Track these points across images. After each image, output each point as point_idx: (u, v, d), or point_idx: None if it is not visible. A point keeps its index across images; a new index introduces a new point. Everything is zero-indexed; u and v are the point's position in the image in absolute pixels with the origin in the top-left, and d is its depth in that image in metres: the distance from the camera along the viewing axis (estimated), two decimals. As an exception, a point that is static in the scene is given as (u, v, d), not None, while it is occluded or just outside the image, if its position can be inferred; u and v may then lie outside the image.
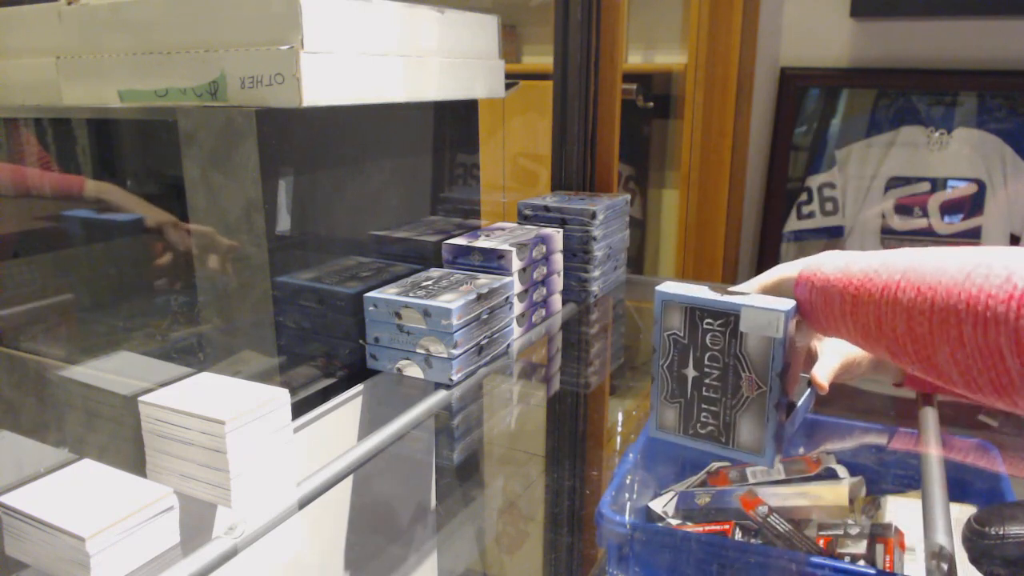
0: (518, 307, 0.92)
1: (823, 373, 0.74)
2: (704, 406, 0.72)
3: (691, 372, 0.71)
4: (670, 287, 0.72)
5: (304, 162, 0.77)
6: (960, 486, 0.91)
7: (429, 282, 0.85)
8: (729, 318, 0.68)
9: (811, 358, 0.78)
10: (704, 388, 0.71)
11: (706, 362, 0.70)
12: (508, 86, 1.28)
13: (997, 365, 0.47)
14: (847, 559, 0.81)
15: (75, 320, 0.83)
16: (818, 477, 0.92)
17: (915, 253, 0.55)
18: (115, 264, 0.84)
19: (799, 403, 0.76)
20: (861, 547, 0.82)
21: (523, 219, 1.11)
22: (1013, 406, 0.48)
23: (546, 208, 1.09)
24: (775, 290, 0.67)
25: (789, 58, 1.77)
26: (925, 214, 1.67)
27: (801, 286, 0.63)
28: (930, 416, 0.80)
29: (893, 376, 0.82)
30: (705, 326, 0.69)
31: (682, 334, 0.71)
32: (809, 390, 0.79)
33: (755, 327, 0.66)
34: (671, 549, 0.81)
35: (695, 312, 0.70)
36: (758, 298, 0.67)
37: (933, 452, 0.74)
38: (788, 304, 0.65)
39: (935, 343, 0.50)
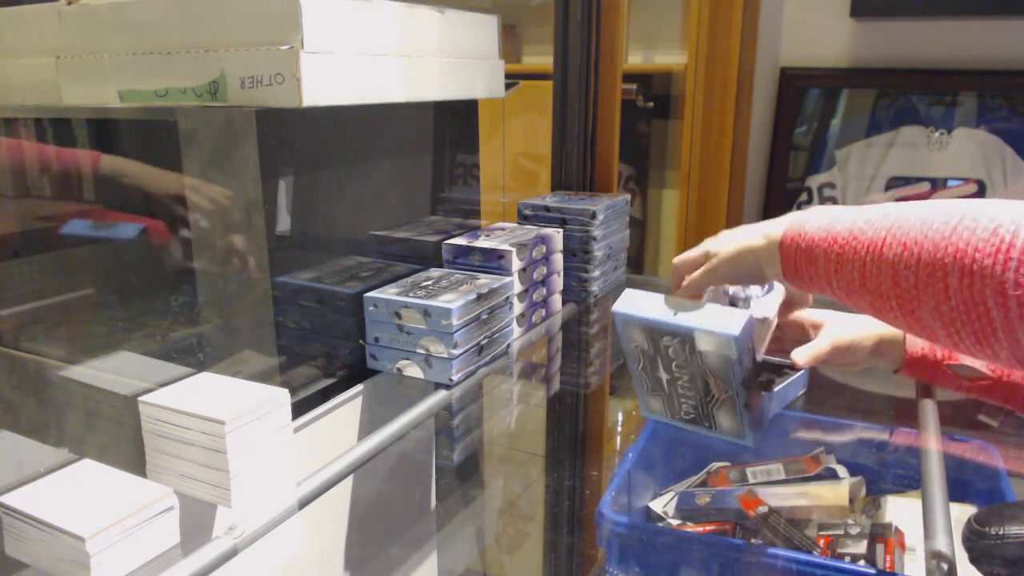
0: (518, 307, 0.92)
1: (804, 353, 0.74)
2: (683, 399, 0.75)
3: (663, 375, 0.74)
4: (627, 303, 0.72)
5: (304, 162, 0.77)
6: (960, 486, 0.91)
7: (429, 282, 0.85)
8: (685, 338, 0.68)
9: (804, 334, 0.78)
10: (679, 387, 0.74)
11: (674, 369, 0.72)
12: (508, 86, 1.28)
13: (981, 316, 0.48)
14: (847, 559, 0.81)
15: (75, 319, 0.83)
16: (818, 477, 0.92)
17: (899, 209, 0.55)
18: (116, 264, 0.84)
19: (786, 383, 0.78)
20: (861, 547, 0.82)
21: (523, 219, 1.11)
22: (994, 356, 0.50)
23: (546, 208, 1.09)
24: (752, 256, 0.65)
25: (789, 58, 1.77)
26: (925, 214, 1.67)
27: (785, 247, 0.63)
28: (929, 409, 0.80)
29: (892, 363, 0.81)
30: (664, 342, 0.71)
31: (646, 347, 0.73)
32: (798, 374, 0.81)
33: (711, 348, 0.67)
34: (671, 549, 0.81)
35: (653, 331, 0.71)
36: (712, 314, 0.67)
37: (932, 446, 0.74)
38: (739, 325, 0.65)
39: (920, 297, 0.51)
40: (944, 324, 0.51)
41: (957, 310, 0.49)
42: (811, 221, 0.61)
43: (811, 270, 0.61)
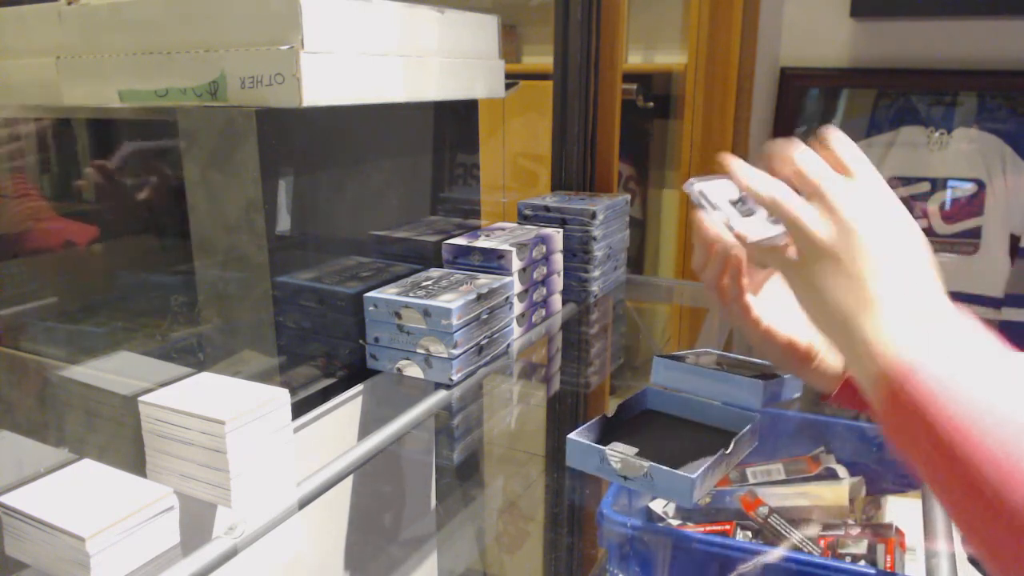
0: (518, 307, 0.92)
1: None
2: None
3: None
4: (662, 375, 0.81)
5: (304, 162, 0.77)
6: (960, 486, 0.91)
7: (429, 282, 0.85)
8: None
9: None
10: None
11: None
12: (508, 86, 1.28)
13: None
14: (847, 559, 0.81)
15: (73, 319, 0.83)
16: (818, 477, 0.92)
17: None
18: (114, 263, 0.84)
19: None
20: (861, 547, 0.82)
21: (523, 219, 1.11)
22: None
23: (546, 208, 1.09)
24: (835, 329, 0.49)
25: (789, 58, 1.77)
26: (925, 214, 1.67)
27: (883, 383, 0.44)
28: None
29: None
30: None
31: None
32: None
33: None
34: (672, 549, 0.81)
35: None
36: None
37: None
38: (693, 474, 0.63)
39: (978, 544, 0.39)
40: None
41: None
42: (931, 363, 0.42)
43: (900, 437, 0.44)
